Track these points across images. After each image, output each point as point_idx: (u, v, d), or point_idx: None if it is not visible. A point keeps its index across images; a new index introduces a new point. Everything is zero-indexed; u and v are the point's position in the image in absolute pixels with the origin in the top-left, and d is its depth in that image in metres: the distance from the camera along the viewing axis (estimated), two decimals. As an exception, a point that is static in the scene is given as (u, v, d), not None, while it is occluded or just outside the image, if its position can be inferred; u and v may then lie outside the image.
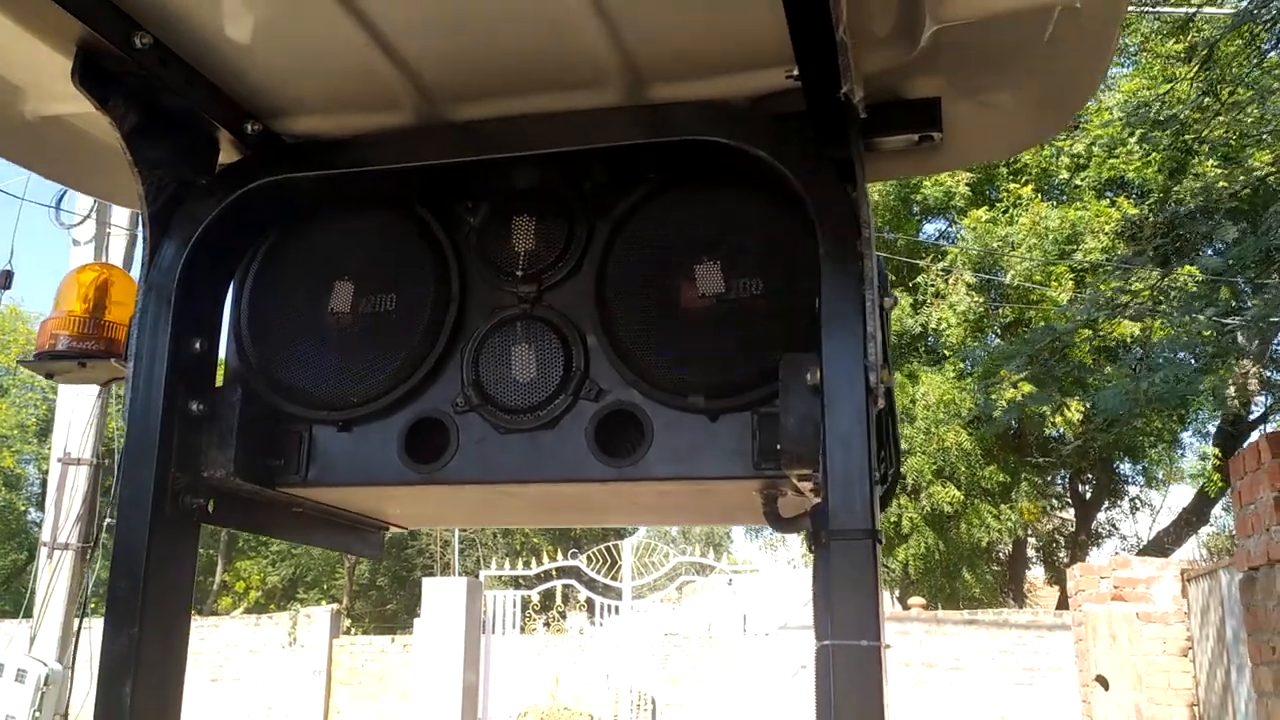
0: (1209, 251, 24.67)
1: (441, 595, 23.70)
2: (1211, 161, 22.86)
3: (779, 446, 2.86)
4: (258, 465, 3.02)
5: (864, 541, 2.52)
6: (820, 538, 2.70)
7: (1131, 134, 24.20)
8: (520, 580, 29.63)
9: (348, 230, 3.36)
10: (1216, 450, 27.90)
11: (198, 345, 3.13)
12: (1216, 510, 34.15)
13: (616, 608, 26.60)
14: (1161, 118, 21.97)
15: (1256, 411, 29.15)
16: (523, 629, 27.59)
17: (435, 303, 3.08)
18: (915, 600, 27.02)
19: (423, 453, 3.00)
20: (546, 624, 32.51)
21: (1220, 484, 27.68)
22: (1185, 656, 14.43)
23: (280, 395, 3.10)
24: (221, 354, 3.13)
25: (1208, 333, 22.08)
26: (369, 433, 3.07)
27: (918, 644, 25.49)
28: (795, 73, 2.57)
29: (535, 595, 27.71)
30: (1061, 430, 27.62)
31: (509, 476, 3.12)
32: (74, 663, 10.84)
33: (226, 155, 3.33)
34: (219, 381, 3.04)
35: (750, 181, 3.06)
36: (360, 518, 3.81)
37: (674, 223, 3.13)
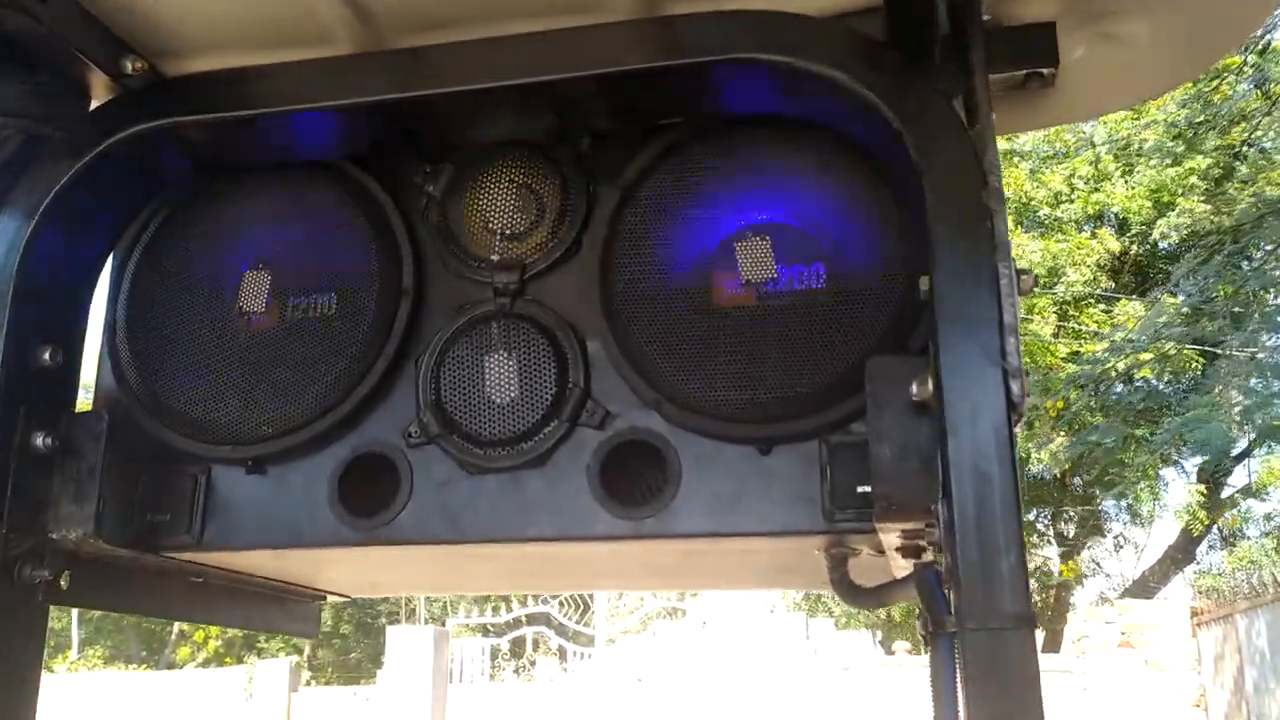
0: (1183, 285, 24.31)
1: (407, 644, 22.82)
2: (1196, 197, 22.46)
3: (867, 488, 2.07)
4: (132, 522, 2.35)
5: (1018, 632, 1.68)
6: (941, 624, 1.83)
7: (1121, 167, 23.82)
8: (489, 628, 28.62)
9: (262, 202, 2.59)
10: (1202, 487, 27.29)
11: (47, 356, 2.29)
12: (1202, 549, 33.57)
13: (589, 654, 25.65)
14: (1143, 148, 21.61)
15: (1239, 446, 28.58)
16: (491, 677, 26.58)
17: (380, 298, 2.44)
18: (900, 645, 26.15)
19: (363, 501, 2.37)
20: (516, 671, 31.50)
21: (1205, 522, 27.09)
22: (1198, 707, 13.60)
23: (167, 424, 2.47)
24: (85, 368, 2.46)
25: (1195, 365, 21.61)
26: (289, 475, 2.44)
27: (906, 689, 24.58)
28: None
29: (505, 643, 26.74)
30: (1046, 466, 26.99)
31: (481, 533, 2.30)
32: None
33: (98, 101, 2.47)
34: (79, 406, 2.40)
35: (815, 128, 2.23)
36: (284, 587, 2.91)
37: (706, 186, 2.33)
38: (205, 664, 36.79)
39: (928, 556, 2.20)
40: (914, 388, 1.92)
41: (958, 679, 1.80)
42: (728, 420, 2.24)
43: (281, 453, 2.41)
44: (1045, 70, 2.29)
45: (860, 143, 2.21)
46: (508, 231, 2.47)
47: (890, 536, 2.10)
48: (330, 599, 3.24)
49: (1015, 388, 1.82)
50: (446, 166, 2.53)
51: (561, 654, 27.00)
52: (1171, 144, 23.75)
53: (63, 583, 2.28)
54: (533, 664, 31.50)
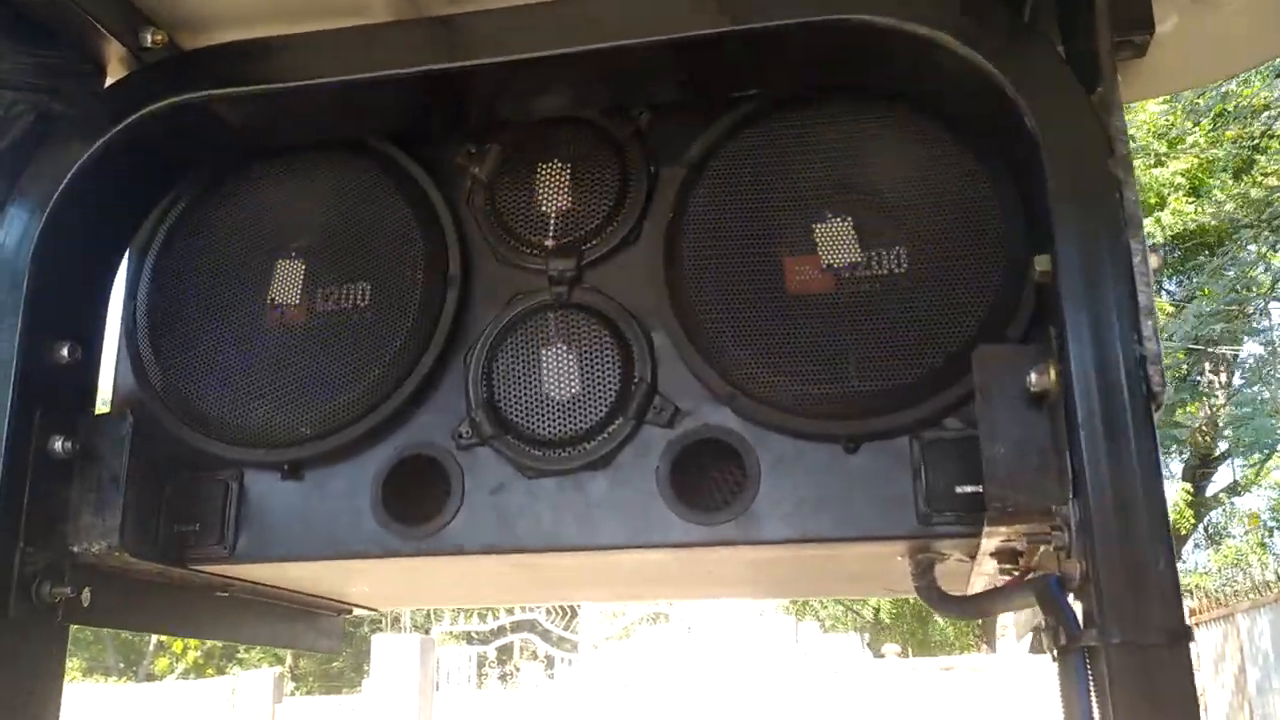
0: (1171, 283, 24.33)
1: (392, 653, 22.46)
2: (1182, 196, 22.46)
3: (967, 489, 1.96)
4: (159, 534, 2.18)
5: (1173, 649, 1.51)
6: (1073, 638, 1.66)
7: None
8: (474, 635, 28.32)
9: (294, 186, 2.40)
10: (1189, 485, 27.28)
11: (65, 353, 2.10)
12: (1187, 548, 33.59)
13: (574, 660, 25.45)
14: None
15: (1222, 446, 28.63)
16: (478, 685, 26.31)
17: (426, 289, 2.27)
18: (889, 647, 26.02)
19: (410, 508, 2.21)
20: (502, 679, 31.24)
21: (1193, 520, 27.09)
22: (1196, 706, 13.48)
23: (194, 427, 2.29)
24: (107, 367, 2.31)
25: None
26: (329, 480, 2.25)
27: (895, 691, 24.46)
28: None
29: (491, 651, 26.48)
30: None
31: (541, 541, 2.14)
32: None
33: (114, 78, 2.28)
34: (100, 408, 2.22)
35: (902, 98, 2.06)
36: (312, 600, 2.71)
37: (781, 163, 2.14)
38: (185, 675, 36.32)
39: (1031, 560, 2.04)
40: (1032, 377, 1.75)
41: (1093, 698, 1.63)
42: (810, 416, 2.07)
43: (320, 456, 2.23)
44: (1138, 38, 2.12)
45: (954, 112, 2.03)
46: (562, 215, 2.29)
47: (991, 541, 1.93)
48: (356, 612, 3.03)
49: (1154, 375, 1.65)
50: (493, 146, 2.36)
51: (549, 662, 26.74)
52: (1155, 143, 23.76)
53: (84, 600, 2.08)
54: (518, 670, 31.25)
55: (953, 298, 2.03)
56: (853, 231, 2.11)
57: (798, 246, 2.13)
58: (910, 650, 29.30)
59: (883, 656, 25.68)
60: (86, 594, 2.09)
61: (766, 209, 2.15)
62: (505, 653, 29.74)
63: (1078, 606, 1.73)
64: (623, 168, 2.28)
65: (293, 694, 30.62)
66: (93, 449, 2.09)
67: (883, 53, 1.97)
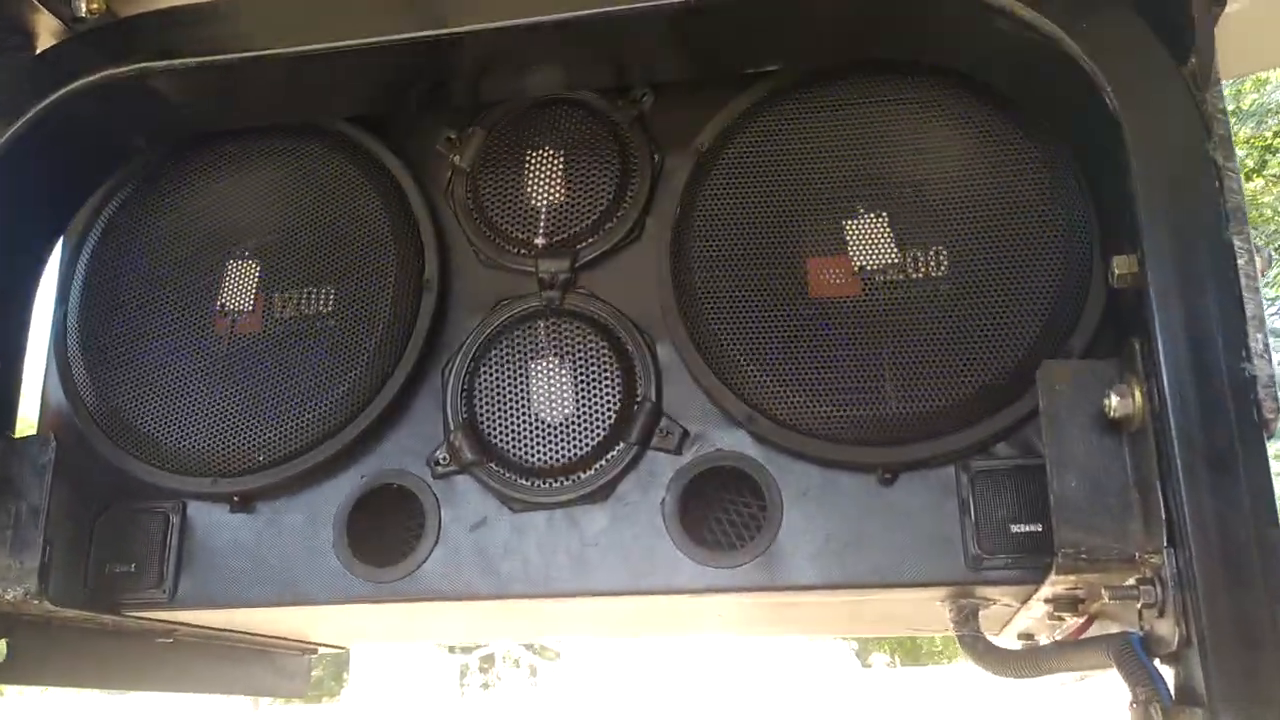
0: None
1: (371, 663, 22.23)
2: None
3: (1024, 528, 1.74)
4: (88, 576, 1.97)
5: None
6: (1169, 713, 1.39)
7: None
8: (455, 645, 28.04)
9: (248, 175, 2.16)
10: None
11: None
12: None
13: (557, 668, 25.23)
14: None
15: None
16: (460, 694, 26.03)
17: (398, 294, 2.03)
18: (877, 657, 25.83)
19: (378, 546, 1.99)
20: (484, 686, 30.98)
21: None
22: None
23: (130, 451, 2.05)
24: (31, 382, 2.08)
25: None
26: (286, 514, 2.02)
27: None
28: None
29: (474, 660, 26.17)
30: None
31: (528, 587, 1.92)
32: None
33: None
34: (18, 430, 1.97)
35: (947, 75, 1.80)
36: (272, 641, 2.42)
37: (807, 150, 1.93)
38: (163, 684, 35.83)
39: (1094, 607, 1.77)
40: (1112, 400, 1.49)
41: None
42: (839, 441, 1.82)
43: (275, 486, 2.00)
44: (1218, 6, 1.86)
45: (1009, 89, 1.77)
46: (554, 210, 2.04)
47: (1053, 589, 1.66)
48: (321, 651, 2.75)
49: (1266, 399, 1.38)
50: (475, 131, 2.14)
51: (532, 670, 26.50)
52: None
53: (1, 652, 1.80)
54: (500, 679, 31.00)
55: (1005, 305, 1.78)
56: (889, 229, 1.84)
57: (825, 246, 1.88)
58: (899, 659, 29.11)
59: (870, 666, 25.50)
60: (2, 646, 1.81)
61: (789, 203, 1.89)
62: (487, 661, 29.46)
63: (1167, 672, 1.46)
64: (623, 156, 2.06)
65: (271, 703, 30.26)
66: (9, 478, 1.85)
67: (927, 18, 1.71)
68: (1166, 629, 1.43)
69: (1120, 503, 1.50)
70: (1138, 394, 1.47)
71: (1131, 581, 1.49)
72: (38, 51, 2.04)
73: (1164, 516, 1.42)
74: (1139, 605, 1.48)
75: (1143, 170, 1.48)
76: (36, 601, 1.80)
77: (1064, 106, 1.68)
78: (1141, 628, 1.54)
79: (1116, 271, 1.53)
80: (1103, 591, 1.52)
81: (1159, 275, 1.45)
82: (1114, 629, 1.84)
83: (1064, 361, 1.62)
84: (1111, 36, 1.55)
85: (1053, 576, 1.56)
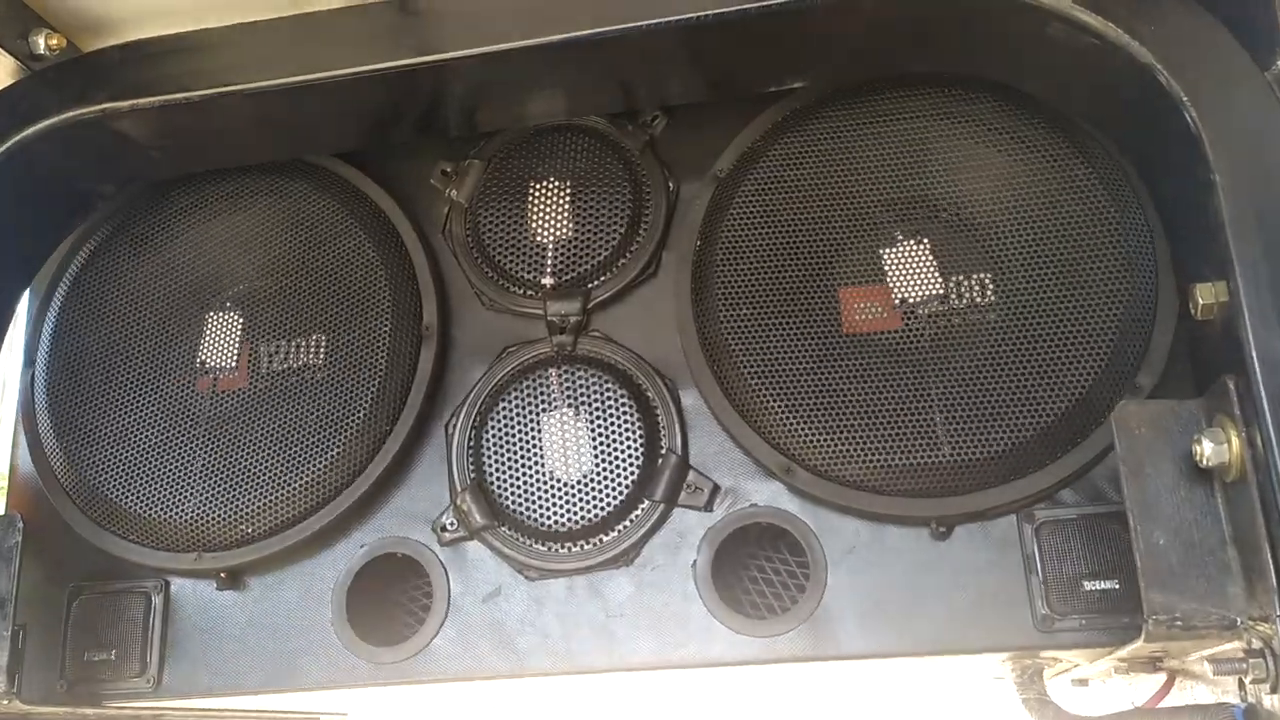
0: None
1: None
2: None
3: (1099, 585, 1.58)
4: (64, 668, 1.83)
5: None
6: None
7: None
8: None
9: (227, 220, 2.01)
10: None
11: None
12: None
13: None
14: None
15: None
16: None
17: (394, 343, 1.87)
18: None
19: (382, 623, 1.85)
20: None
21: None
22: None
23: (107, 526, 1.89)
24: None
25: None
26: (278, 590, 1.87)
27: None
28: None
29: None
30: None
31: (549, 663, 1.76)
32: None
33: (0, 92, 1.86)
34: None
35: (992, 88, 1.65)
36: (271, 717, 2.25)
37: (838, 173, 1.76)
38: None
39: (1176, 665, 1.61)
40: (1205, 447, 1.31)
41: None
42: (887, 493, 1.65)
43: (266, 560, 1.84)
44: None
45: (1064, 102, 1.61)
46: (562, 246, 1.88)
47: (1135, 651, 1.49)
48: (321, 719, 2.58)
49: (1389, 446, 1.22)
50: (473, 163, 2.01)
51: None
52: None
53: None
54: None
55: (1064, 338, 1.62)
56: (931, 256, 1.68)
57: (861, 277, 1.71)
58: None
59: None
60: None
61: (820, 231, 1.73)
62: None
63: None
64: (634, 185, 1.91)
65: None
66: None
67: (972, 25, 1.54)
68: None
69: (1217, 562, 1.33)
70: (1234, 439, 1.30)
71: (1237, 651, 1.32)
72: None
73: (1275, 581, 1.25)
74: (1248, 680, 1.31)
75: (1230, 189, 1.31)
76: (7, 701, 1.63)
77: (1128, 120, 1.52)
78: (1243, 699, 1.37)
79: (1200, 301, 1.36)
80: (1205, 665, 1.35)
81: (1256, 304, 1.28)
82: (1201, 690, 1.68)
83: (1143, 402, 1.46)
84: (1185, 41, 1.39)
85: (1141, 643, 1.39)
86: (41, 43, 1.85)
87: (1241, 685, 1.36)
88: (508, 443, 1.80)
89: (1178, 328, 1.61)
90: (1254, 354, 1.27)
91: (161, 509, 1.82)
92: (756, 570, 1.79)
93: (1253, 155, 1.33)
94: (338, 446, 1.79)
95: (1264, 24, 1.37)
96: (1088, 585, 1.58)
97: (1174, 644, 1.39)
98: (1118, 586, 1.56)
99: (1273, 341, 1.27)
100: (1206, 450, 1.33)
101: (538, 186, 1.92)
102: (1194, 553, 1.34)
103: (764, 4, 1.55)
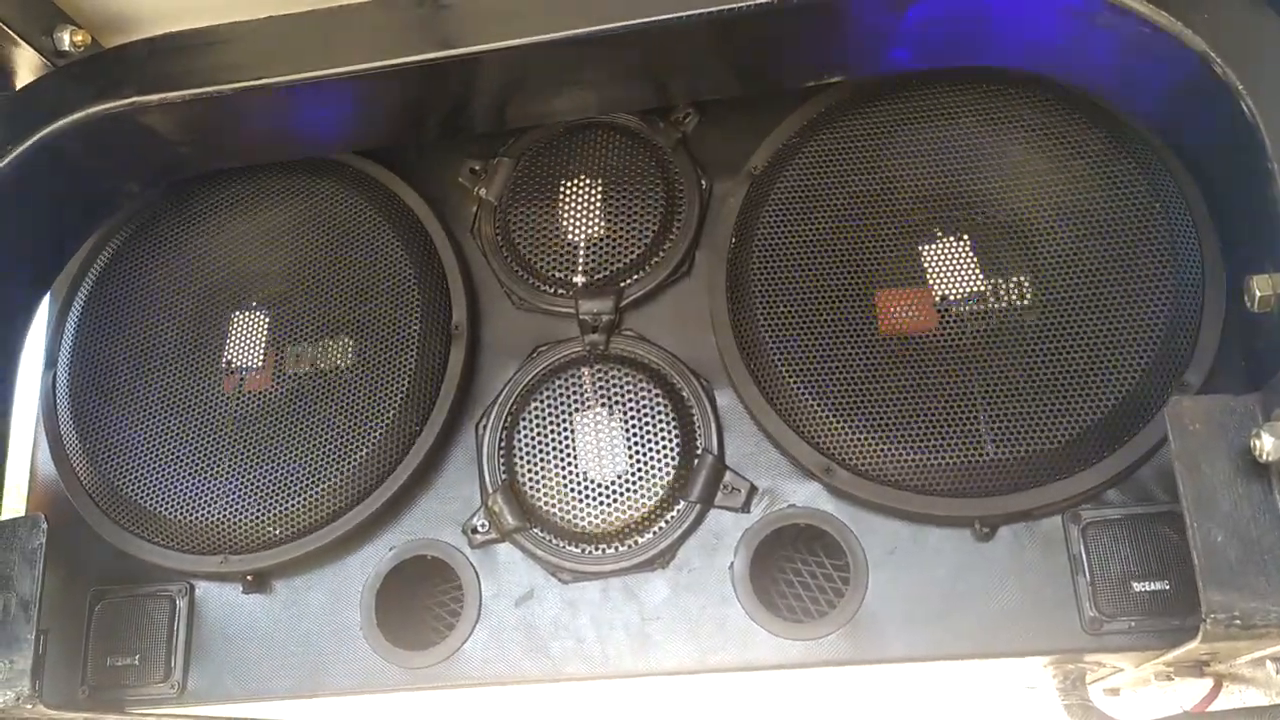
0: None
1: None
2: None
3: (1148, 586, 1.55)
4: (86, 673, 1.81)
5: None
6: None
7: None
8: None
9: (253, 219, 1.98)
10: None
11: None
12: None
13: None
14: None
15: None
16: None
17: (424, 343, 1.85)
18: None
19: (412, 627, 1.83)
20: None
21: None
22: None
23: (131, 529, 1.86)
24: (17, 456, 1.86)
25: None
26: (305, 593, 1.84)
27: None
28: None
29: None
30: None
31: (583, 668, 1.72)
32: None
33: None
34: (5, 509, 1.79)
35: (1037, 83, 1.65)
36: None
37: (872, 171, 1.76)
38: None
39: (1225, 669, 1.58)
40: (1263, 442, 1.28)
41: None
42: (929, 493, 1.63)
43: (293, 563, 1.81)
44: None
45: (1109, 95, 1.59)
46: (594, 245, 1.86)
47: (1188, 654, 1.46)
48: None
49: None
50: (502, 160, 1.99)
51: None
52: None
53: None
54: None
55: (1110, 334, 1.60)
56: (972, 254, 1.66)
57: (900, 275, 1.69)
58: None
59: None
60: None
61: (858, 228, 1.71)
62: None
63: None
64: (667, 182, 1.89)
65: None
66: None
67: (1017, 19, 1.52)
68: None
69: (1275, 560, 1.30)
70: (1297, 433, 1.28)
71: (1298, 653, 1.30)
72: (16, 86, 1.88)
73: None
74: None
75: None
76: (30, 706, 1.60)
77: (1178, 111, 1.50)
78: None
79: (1258, 293, 1.34)
80: (1267, 664, 1.32)
81: None
82: (1248, 693, 1.65)
83: (1198, 397, 1.43)
84: (1239, 28, 1.37)
85: (1198, 644, 1.36)
86: (66, 39, 1.83)
87: (1299, 688, 1.34)
88: (540, 443, 1.77)
89: (1225, 323, 1.58)
90: None
91: (186, 511, 1.79)
92: (792, 573, 1.76)
93: None
94: (367, 447, 1.77)
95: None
96: (1137, 587, 1.55)
97: (1229, 645, 1.36)
98: (1168, 588, 1.53)
99: None
100: (1266, 445, 1.30)
101: (569, 184, 1.90)
102: (1253, 550, 1.31)
103: (752, 4, 1.53)
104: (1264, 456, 1.30)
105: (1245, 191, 1.37)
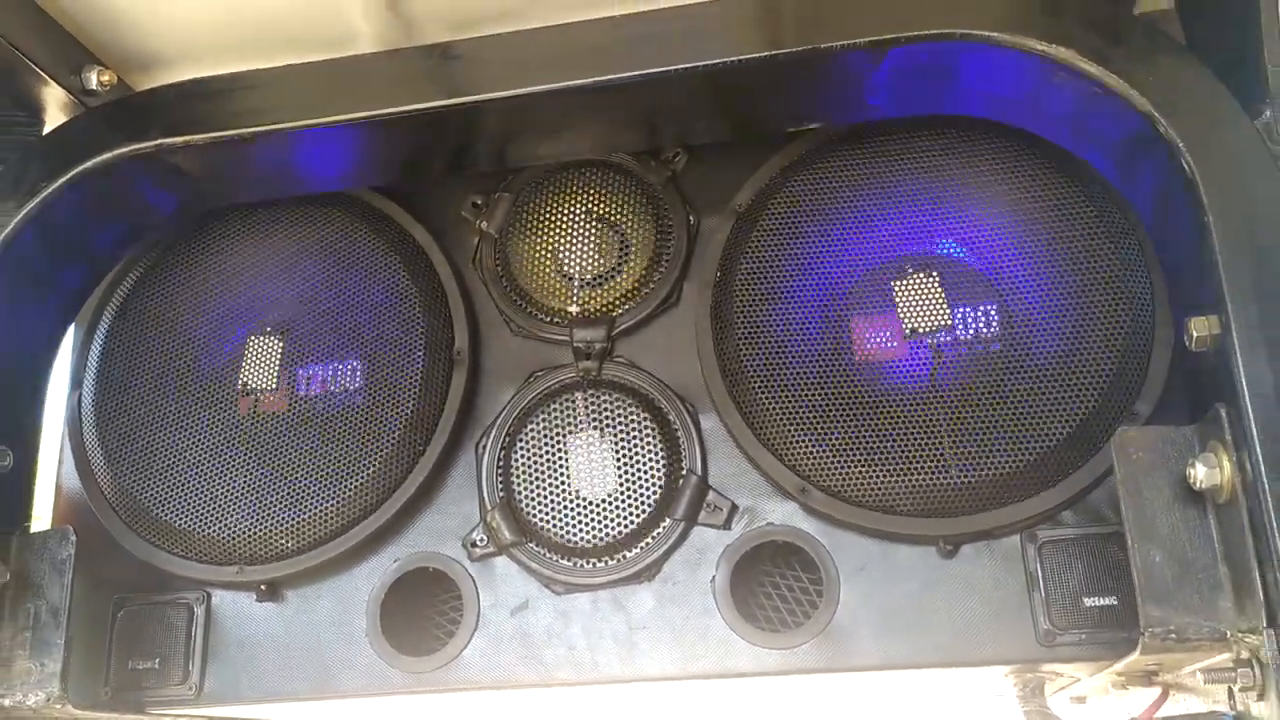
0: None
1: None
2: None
3: (1099, 601, 1.67)
4: (110, 676, 1.90)
5: None
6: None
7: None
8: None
9: (268, 249, 2.09)
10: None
11: None
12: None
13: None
14: None
15: None
16: None
17: (428, 367, 1.95)
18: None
19: (414, 634, 1.93)
20: None
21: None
22: None
23: (152, 540, 1.97)
24: (46, 472, 1.99)
25: None
26: (315, 601, 1.94)
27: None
28: None
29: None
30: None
31: (573, 674, 1.83)
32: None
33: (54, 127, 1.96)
34: (35, 523, 1.85)
35: (999, 130, 1.75)
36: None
37: (849, 210, 1.85)
38: None
39: (1171, 679, 1.69)
40: (1198, 470, 1.40)
41: None
42: (897, 512, 1.73)
43: (304, 573, 1.91)
44: None
45: (1066, 143, 1.70)
46: (588, 276, 1.96)
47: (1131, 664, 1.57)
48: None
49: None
50: (502, 195, 2.08)
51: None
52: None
53: None
54: None
55: (1065, 366, 1.70)
56: (940, 289, 1.77)
57: (873, 307, 1.79)
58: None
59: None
60: None
61: (833, 264, 1.81)
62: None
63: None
64: (657, 218, 1.99)
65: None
66: (27, 575, 1.75)
67: (981, 74, 1.63)
68: (1267, 713, 1.35)
69: (1209, 579, 1.41)
70: (1226, 464, 1.39)
71: (1226, 661, 1.41)
72: (46, 126, 1.99)
73: (1263, 595, 1.33)
74: (1236, 688, 1.39)
75: (1223, 230, 1.40)
76: (60, 706, 1.70)
77: (1128, 164, 1.60)
78: (1233, 707, 1.45)
79: (1195, 334, 1.45)
80: (1198, 675, 1.43)
81: (1245, 337, 1.37)
82: (1194, 702, 1.76)
83: (1141, 428, 1.54)
84: (1181, 90, 1.47)
85: (1137, 655, 1.48)
86: (94, 78, 1.93)
87: (1231, 694, 1.44)
88: (536, 463, 1.88)
89: (1173, 358, 1.69)
90: (1244, 383, 1.36)
91: (205, 524, 1.89)
92: (770, 586, 1.87)
93: (1243, 198, 1.41)
94: (374, 465, 1.87)
95: (1253, 76, 1.46)
96: (1088, 601, 1.66)
97: (1169, 656, 1.47)
98: (1116, 602, 1.64)
99: (1261, 372, 1.35)
100: (1200, 474, 1.41)
101: (565, 219, 2.00)
102: (1188, 570, 1.42)
103: (785, 50, 1.64)
104: (1198, 484, 1.42)
105: (1186, 239, 1.48)
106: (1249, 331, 1.37)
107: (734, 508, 1.82)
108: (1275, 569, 1.30)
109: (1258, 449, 1.33)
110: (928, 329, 1.77)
